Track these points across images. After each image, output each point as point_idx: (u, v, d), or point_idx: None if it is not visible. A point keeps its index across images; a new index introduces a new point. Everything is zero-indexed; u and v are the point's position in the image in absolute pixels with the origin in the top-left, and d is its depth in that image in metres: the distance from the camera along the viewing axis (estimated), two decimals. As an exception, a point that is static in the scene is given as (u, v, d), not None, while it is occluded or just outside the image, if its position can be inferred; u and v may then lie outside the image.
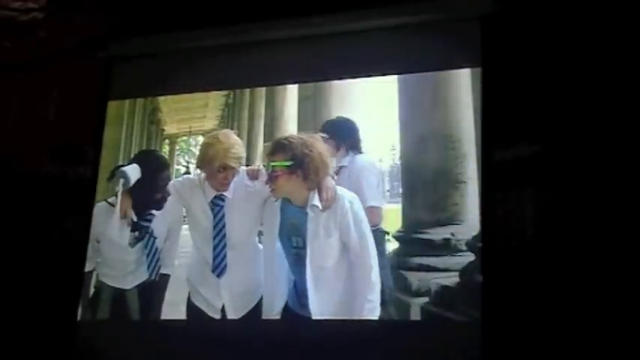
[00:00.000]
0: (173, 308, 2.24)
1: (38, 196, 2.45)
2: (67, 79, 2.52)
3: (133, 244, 2.21)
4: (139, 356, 2.21)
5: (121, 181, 2.16)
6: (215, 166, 2.11)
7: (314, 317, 2.01)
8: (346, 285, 1.99)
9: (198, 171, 2.18)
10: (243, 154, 2.15)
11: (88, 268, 2.31)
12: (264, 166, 2.12)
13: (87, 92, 2.51)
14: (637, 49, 1.90)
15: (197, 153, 2.76)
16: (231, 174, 2.12)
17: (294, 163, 1.98)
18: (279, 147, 2.02)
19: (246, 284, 2.14)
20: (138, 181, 2.16)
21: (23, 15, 2.52)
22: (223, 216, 2.13)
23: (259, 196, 2.10)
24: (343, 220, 1.97)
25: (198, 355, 2.16)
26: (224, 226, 2.13)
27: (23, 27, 2.52)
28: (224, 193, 2.14)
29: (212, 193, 2.14)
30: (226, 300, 2.14)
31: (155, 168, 2.23)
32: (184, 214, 2.24)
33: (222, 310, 2.14)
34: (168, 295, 2.25)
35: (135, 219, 2.20)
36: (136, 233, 2.21)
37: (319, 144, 2.02)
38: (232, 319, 2.14)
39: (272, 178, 2.02)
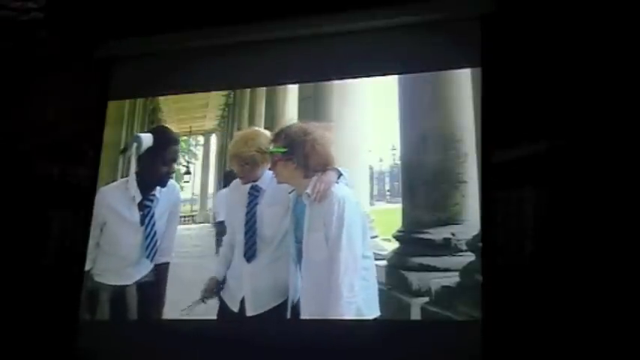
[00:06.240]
0: (173, 307, 2.25)
1: (38, 195, 2.44)
2: (67, 78, 2.52)
3: (140, 222, 2.26)
4: (140, 355, 2.22)
5: (134, 145, 2.27)
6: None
7: (302, 312, 2.00)
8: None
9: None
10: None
11: (87, 267, 2.30)
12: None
13: (87, 92, 2.51)
14: (637, 49, 1.90)
15: (197, 153, 2.79)
16: (241, 175, 2.19)
17: (288, 150, 2.02)
18: (278, 134, 2.09)
19: (271, 281, 2.12)
20: (148, 150, 2.25)
21: (23, 15, 2.52)
22: (256, 205, 2.16)
23: (286, 191, 2.12)
24: (326, 217, 1.95)
25: (197, 355, 2.16)
26: (255, 214, 2.15)
27: (23, 27, 2.52)
28: (258, 184, 2.17)
29: (249, 184, 2.20)
30: (247, 293, 2.13)
31: (166, 140, 2.33)
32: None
33: (242, 302, 2.13)
34: (170, 295, 2.26)
35: (140, 198, 2.27)
36: (141, 213, 2.27)
37: (319, 131, 2.03)
38: (231, 318, 2.15)
39: (272, 164, 2.08)
